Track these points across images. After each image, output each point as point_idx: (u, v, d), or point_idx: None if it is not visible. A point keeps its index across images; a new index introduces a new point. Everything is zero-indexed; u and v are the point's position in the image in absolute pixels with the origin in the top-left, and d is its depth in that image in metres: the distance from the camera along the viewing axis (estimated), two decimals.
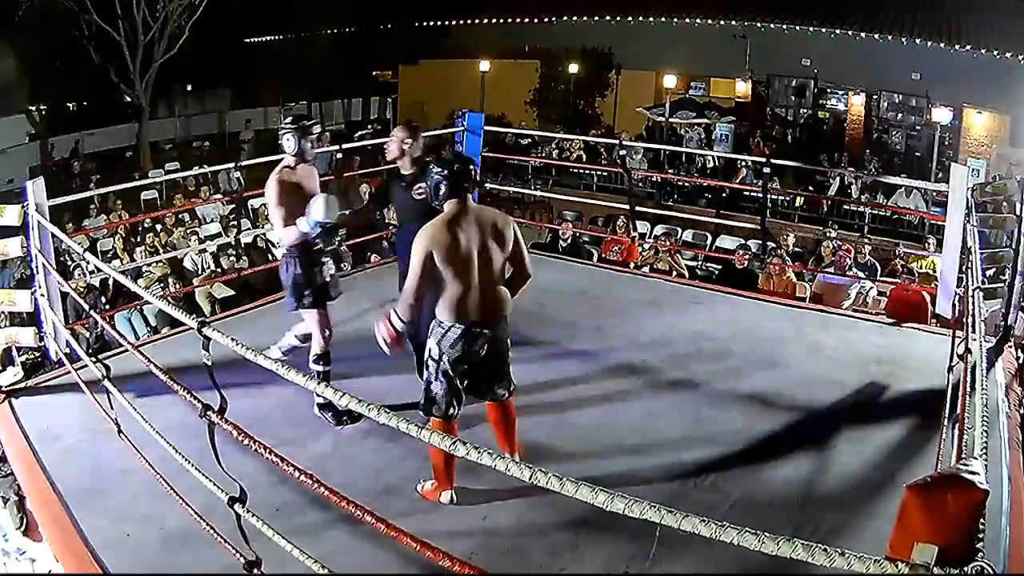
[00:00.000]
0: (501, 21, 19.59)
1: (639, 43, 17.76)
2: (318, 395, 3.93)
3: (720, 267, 8.68)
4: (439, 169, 3.15)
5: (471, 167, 3.23)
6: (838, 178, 12.73)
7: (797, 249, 9.57)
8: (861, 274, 7.50)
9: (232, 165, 6.10)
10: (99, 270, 6.01)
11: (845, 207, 12.47)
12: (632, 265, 7.70)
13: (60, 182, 13.35)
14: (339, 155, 6.93)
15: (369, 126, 20.37)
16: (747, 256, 7.69)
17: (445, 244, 3.03)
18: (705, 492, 3.37)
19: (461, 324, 3.09)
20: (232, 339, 2.25)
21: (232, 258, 7.81)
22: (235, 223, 6.88)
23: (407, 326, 3.15)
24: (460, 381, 3.19)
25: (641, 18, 17.74)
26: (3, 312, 6.17)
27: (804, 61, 16.45)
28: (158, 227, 10.18)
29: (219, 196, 11.14)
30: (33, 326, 4.50)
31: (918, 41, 14.77)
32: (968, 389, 2.86)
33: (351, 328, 5.16)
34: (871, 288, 7.27)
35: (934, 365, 4.34)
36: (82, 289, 6.55)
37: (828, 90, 16.65)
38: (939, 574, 1.09)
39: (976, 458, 1.59)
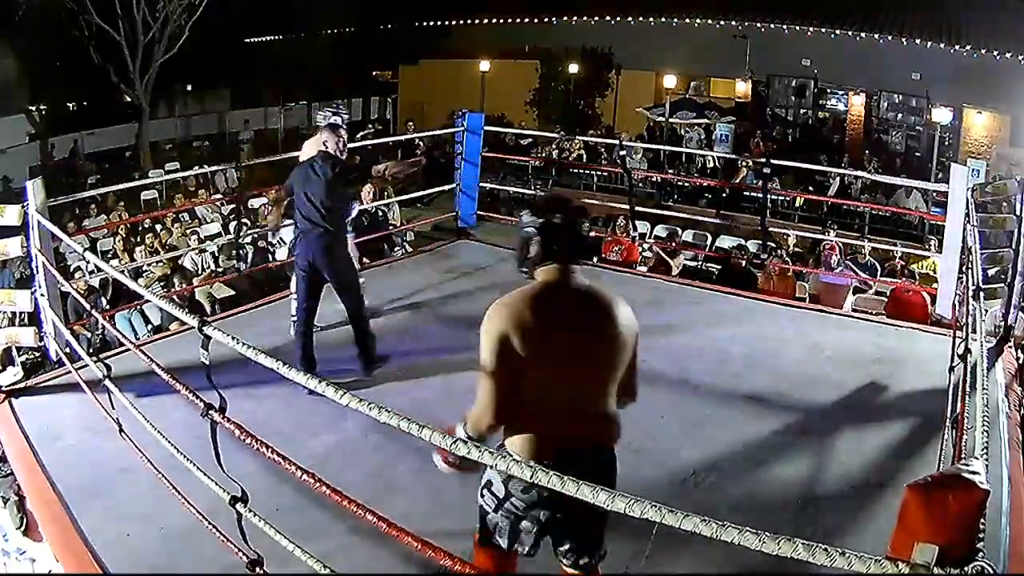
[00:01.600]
0: (501, 21, 19.60)
1: (639, 43, 17.77)
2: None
3: (720, 267, 8.68)
4: (530, 218, 2.21)
5: (580, 219, 2.24)
6: (838, 178, 12.74)
7: (797, 249, 9.57)
8: (855, 273, 7.50)
9: (232, 165, 6.11)
10: (99, 270, 6.01)
11: (845, 207, 12.48)
12: (635, 264, 7.70)
13: (61, 182, 13.35)
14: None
15: (370, 125, 20.36)
16: (744, 258, 7.69)
17: (530, 328, 2.05)
18: (705, 492, 3.37)
19: (539, 463, 1.89)
20: (233, 338, 2.24)
21: (233, 259, 7.81)
22: (235, 223, 6.89)
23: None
24: (531, 529, 2.15)
25: (641, 18, 17.75)
26: (3, 312, 6.18)
27: (804, 61, 16.46)
28: (158, 227, 10.17)
29: (219, 196, 11.15)
30: (33, 326, 4.50)
31: (918, 41, 14.78)
32: (968, 389, 2.86)
33: (349, 328, 5.17)
34: (869, 288, 7.28)
35: (934, 365, 4.34)
36: (83, 290, 6.54)
37: (828, 90, 16.67)
38: (939, 574, 1.09)
39: (977, 458, 1.59)
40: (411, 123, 16.87)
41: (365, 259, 6.52)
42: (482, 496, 2.22)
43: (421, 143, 13.84)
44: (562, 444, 2.09)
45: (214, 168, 10.96)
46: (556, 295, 2.14)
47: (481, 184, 7.39)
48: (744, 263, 7.59)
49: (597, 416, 2.18)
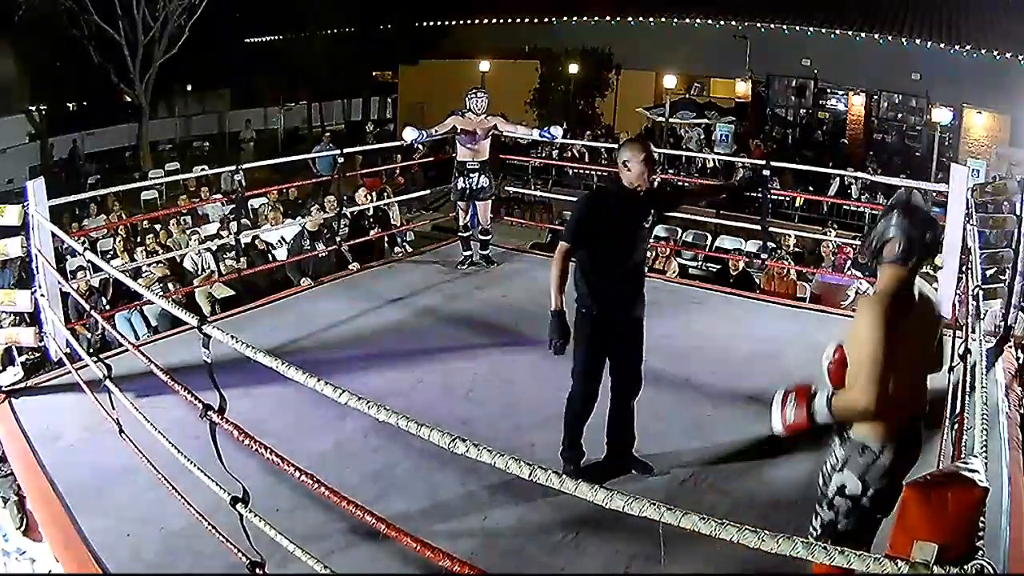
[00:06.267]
0: (501, 21, 19.62)
1: (639, 43, 17.78)
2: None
3: (719, 267, 8.68)
4: (903, 221, 2.26)
5: (941, 232, 2.35)
6: (838, 178, 12.75)
7: (797, 249, 9.57)
8: (859, 273, 7.50)
9: (232, 168, 6.12)
10: (99, 269, 6.00)
11: (845, 207, 12.48)
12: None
13: (61, 182, 13.36)
14: (341, 159, 6.97)
15: (369, 125, 20.38)
16: (742, 261, 7.68)
17: (902, 322, 2.19)
18: (705, 492, 3.37)
19: (893, 443, 2.23)
20: (233, 337, 2.24)
21: (231, 259, 7.80)
22: (234, 223, 6.87)
23: None
24: (880, 517, 2.30)
25: (641, 18, 17.77)
26: (3, 312, 6.17)
27: (804, 61, 16.47)
28: (158, 227, 10.16)
29: (219, 196, 11.14)
30: (33, 326, 4.50)
31: (918, 41, 14.80)
32: (968, 389, 2.86)
33: (350, 328, 5.18)
34: (867, 288, 7.27)
35: None
36: (83, 290, 6.54)
37: (828, 90, 16.66)
38: (939, 572, 1.09)
39: (976, 456, 1.59)
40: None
41: (355, 264, 6.50)
42: (830, 508, 2.30)
43: (421, 147, 13.83)
44: (904, 424, 2.26)
45: (215, 171, 10.96)
46: (911, 295, 2.27)
47: None
48: (739, 267, 7.59)
49: (924, 393, 2.37)
